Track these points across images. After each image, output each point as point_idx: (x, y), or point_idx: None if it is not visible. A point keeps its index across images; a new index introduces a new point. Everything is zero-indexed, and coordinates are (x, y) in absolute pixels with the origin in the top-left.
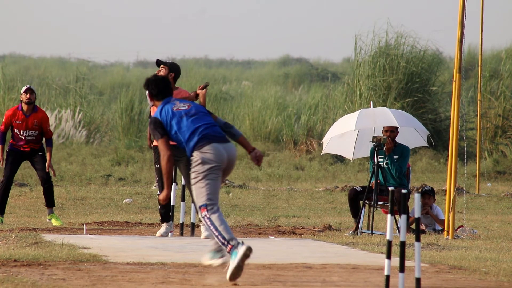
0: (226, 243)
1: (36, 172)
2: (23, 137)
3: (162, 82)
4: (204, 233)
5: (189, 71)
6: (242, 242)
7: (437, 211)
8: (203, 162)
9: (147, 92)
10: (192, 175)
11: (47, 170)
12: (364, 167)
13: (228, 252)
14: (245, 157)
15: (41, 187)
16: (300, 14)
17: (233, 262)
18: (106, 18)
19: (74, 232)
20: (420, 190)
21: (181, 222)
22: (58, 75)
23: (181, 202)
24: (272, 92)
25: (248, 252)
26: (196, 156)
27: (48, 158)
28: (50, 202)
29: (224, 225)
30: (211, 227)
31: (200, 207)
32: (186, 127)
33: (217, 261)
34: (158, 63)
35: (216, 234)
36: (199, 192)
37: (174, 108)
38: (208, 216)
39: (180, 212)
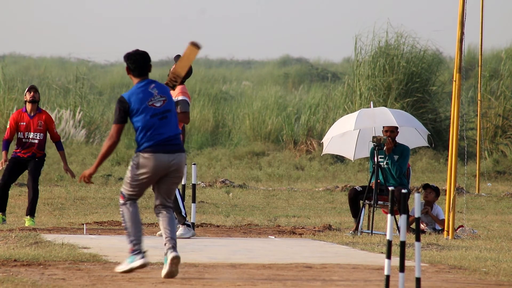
0: (129, 241)
1: (27, 173)
2: (28, 140)
3: (141, 58)
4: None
5: None
6: (143, 255)
7: (437, 211)
8: (139, 167)
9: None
10: (129, 167)
11: (66, 173)
12: (364, 167)
13: (129, 252)
14: (245, 157)
15: (30, 190)
16: (300, 14)
17: (125, 265)
18: (106, 18)
19: (74, 232)
20: (420, 188)
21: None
22: (58, 75)
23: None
24: (272, 92)
25: (139, 268)
26: (136, 157)
27: (63, 161)
28: (32, 209)
29: (135, 224)
30: (122, 218)
31: (120, 192)
32: (149, 128)
33: (135, 263)
34: (176, 58)
35: (125, 227)
36: (126, 183)
37: (149, 103)
38: (123, 205)
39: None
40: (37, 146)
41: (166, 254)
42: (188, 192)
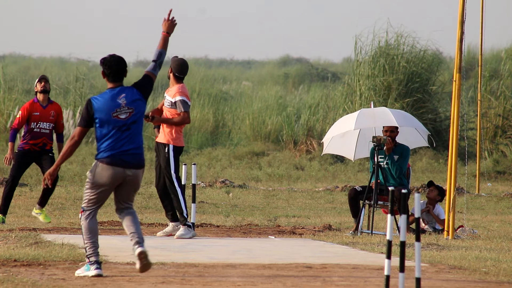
0: (86, 253)
1: (42, 171)
2: (39, 130)
3: (116, 64)
4: (177, 233)
5: (189, 71)
6: (99, 265)
7: (439, 210)
8: (95, 177)
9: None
10: (87, 179)
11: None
12: (364, 167)
13: (87, 262)
14: (245, 157)
15: (41, 187)
16: (300, 14)
17: (81, 271)
18: (106, 18)
19: (74, 232)
20: (420, 188)
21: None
22: (58, 75)
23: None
24: (272, 92)
25: (94, 277)
26: (94, 165)
27: (59, 153)
28: (44, 202)
29: (91, 236)
30: (82, 231)
31: (81, 208)
32: (109, 139)
33: (90, 272)
34: (172, 59)
35: (84, 240)
36: (84, 195)
37: (114, 115)
38: (81, 221)
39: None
40: (46, 136)
41: (133, 250)
42: (188, 192)
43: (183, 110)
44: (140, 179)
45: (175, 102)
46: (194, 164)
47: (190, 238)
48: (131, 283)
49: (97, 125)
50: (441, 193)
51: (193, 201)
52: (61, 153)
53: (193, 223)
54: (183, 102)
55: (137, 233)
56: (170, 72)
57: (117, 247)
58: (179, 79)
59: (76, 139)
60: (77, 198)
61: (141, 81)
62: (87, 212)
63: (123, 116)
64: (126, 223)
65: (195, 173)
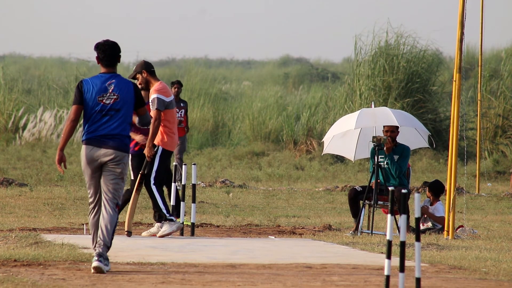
0: (92, 245)
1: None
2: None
3: (110, 48)
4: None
5: (189, 71)
6: (97, 257)
7: (436, 207)
8: (82, 156)
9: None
10: None
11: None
12: (364, 167)
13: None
14: (245, 157)
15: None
16: (300, 14)
17: (93, 263)
18: (106, 18)
19: (74, 232)
20: (420, 189)
21: (180, 222)
22: (58, 75)
23: (181, 202)
24: (272, 92)
25: (95, 271)
26: (82, 149)
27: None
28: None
29: (93, 231)
30: None
31: None
32: (91, 121)
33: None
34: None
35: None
36: None
37: (99, 98)
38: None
39: (181, 212)
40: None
41: (93, 255)
42: (188, 192)
43: (154, 108)
44: (121, 163)
45: (151, 101)
46: (194, 164)
47: (176, 231)
48: (131, 283)
49: (84, 106)
50: (431, 188)
51: (193, 201)
52: (62, 135)
53: (193, 223)
54: (158, 100)
55: (102, 241)
56: (146, 76)
57: (117, 247)
58: (152, 74)
59: (72, 119)
60: (77, 198)
61: (141, 94)
62: (90, 208)
63: (107, 102)
64: (100, 223)
65: (195, 173)
